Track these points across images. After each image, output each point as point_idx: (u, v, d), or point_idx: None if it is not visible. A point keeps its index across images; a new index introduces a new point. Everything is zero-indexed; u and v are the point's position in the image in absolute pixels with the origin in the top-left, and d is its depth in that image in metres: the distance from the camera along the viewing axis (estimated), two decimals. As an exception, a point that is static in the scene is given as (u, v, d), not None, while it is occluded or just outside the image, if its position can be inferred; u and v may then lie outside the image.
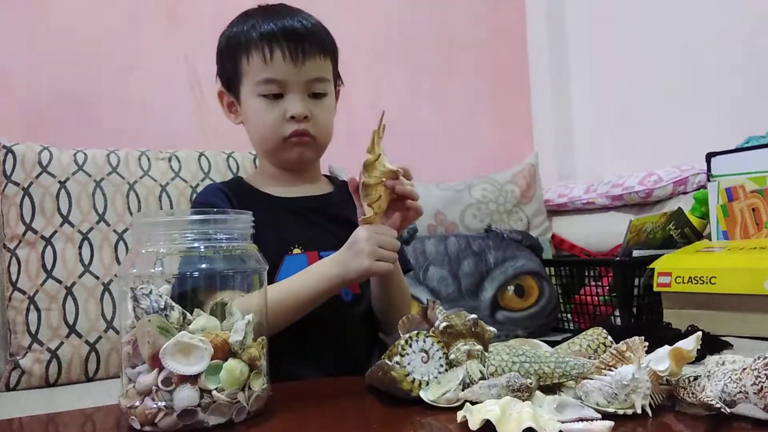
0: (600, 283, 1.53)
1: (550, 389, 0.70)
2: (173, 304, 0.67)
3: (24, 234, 1.31)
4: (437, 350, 0.73)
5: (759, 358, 0.61)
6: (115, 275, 1.32)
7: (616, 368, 0.65)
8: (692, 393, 0.63)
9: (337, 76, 1.10)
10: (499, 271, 1.55)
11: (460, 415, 0.62)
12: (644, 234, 1.46)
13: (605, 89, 2.10)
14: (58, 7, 1.66)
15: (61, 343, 1.28)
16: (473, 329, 0.74)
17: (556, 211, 1.95)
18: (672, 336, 0.91)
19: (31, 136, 1.43)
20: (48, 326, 1.28)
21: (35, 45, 1.63)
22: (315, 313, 0.92)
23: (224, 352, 0.66)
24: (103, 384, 1.27)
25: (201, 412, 0.64)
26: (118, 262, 1.35)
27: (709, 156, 1.48)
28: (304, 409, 0.74)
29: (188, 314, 0.68)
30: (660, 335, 1.00)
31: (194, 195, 1.43)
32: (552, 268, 1.66)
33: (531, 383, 0.65)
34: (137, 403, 0.65)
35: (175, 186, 1.45)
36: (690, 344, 0.66)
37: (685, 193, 1.66)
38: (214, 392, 0.64)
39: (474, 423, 0.59)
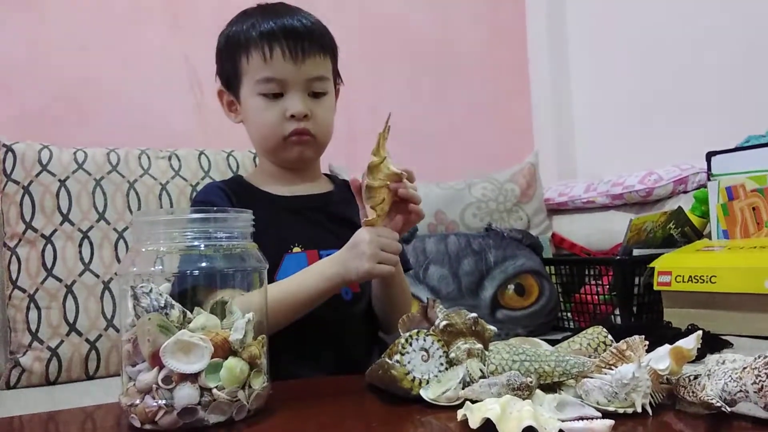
0: (600, 282, 1.53)
1: (551, 388, 0.70)
2: (173, 302, 0.67)
3: (24, 232, 1.31)
4: (437, 349, 0.73)
5: (759, 357, 0.61)
6: (116, 274, 1.33)
7: (617, 367, 0.65)
8: (692, 392, 0.63)
9: (336, 75, 1.10)
10: (500, 270, 1.55)
11: (460, 413, 0.62)
12: (644, 233, 1.46)
13: (605, 88, 2.10)
14: (59, 6, 1.66)
15: (62, 342, 1.28)
16: (473, 328, 0.74)
17: (556, 210, 1.95)
18: (672, 335, 0.91)
19: (31, 134, 1.43)
20: (48, 324, 1.28)
21: (35, 44, 1.63)
22: (315, 311, 0.92)
23: (224, 350, 0.66)
24: (104, 382, 1.27)
25: (201, 411, 0.64)
26: (119, 261, 1.35)
27: (710, 155, 1.48)
28: (304, 408, 0.74)
29: (188, 313, 0.68)
30: (660, 334, 1.00)
31: (194, 193, 1.43)
32: (552, 267, 1.66)
33: (531, 382, 0.65)
34: (137, 402, 0.65)
35: (175, 185, 1.45)
36: (690, 343, 0.66)
37: (685, 192, 1.66)
38: (215, 390, 0.64)
39: (474, 421, 0.59)
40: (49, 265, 1.31)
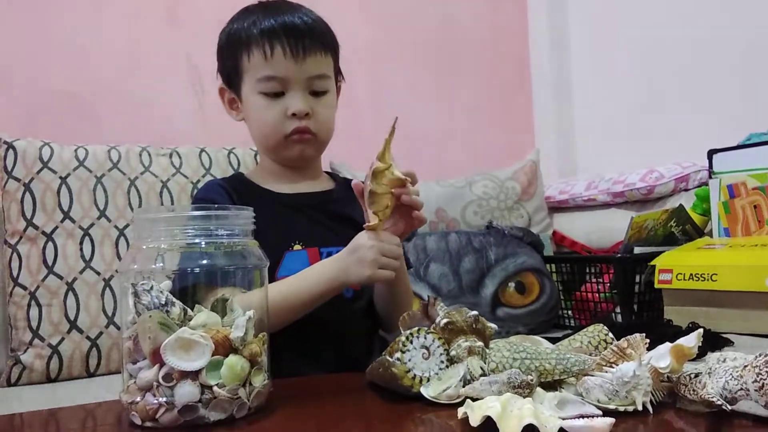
0: (601, 280, 1.53)
1: (551, 386, 0.70)
2: (174, 300, 0.67)
3: (25, 230, 1.31)
4: (438, 347, 0.73)
5: (760, 355, 0.61)
6: (116, 271, 1.33)
7: (617, 365, 0.65)
8: (693, 390, 0.63)
9: (338, 72, 1.10)
10: (500, 268, 1.55)
11: (460, 411, 0.62)
12: (645, 231, 1.46)
13: (606, 86, 2.10)
14: (60, 3, 1.66)
15: (62, 339, 1.28)
16: (474, 326, 0.74)
17: (557, 207, 1.95)
18: (673, 333, 0.91)
19: (32, 132, 1.43)
20: (49, 322, 1.28)
21: (36, 42, 1.63)
22: (315, 309, 0.92)
23: (225, 348, 0.66)
24: (104, 380, 1.27)
25: (202, 408, 0.64)
26: (119, 258, 1.35)
27: (711, 153, 1.48)
28: (305, 405, 0.74)
29: (189, 310, 0.68)
30: (661, 332, 1.00)
31: (195, 191, 1.43)
32: (553, 265, 1.66)
33: (532, 380, 0.65)
34: (138, 399, 0.65)
35: (176, 182, 1.45)
36: (691, 341, 0.66)
37: (686, 189, 1.66)
38: (215, 388, 0.64)
39: (475, 419, 0.59)
40: (50, 263, 1.31)
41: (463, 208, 1.79)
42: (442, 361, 0.72)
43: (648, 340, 0.67)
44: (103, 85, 1.69)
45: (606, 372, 0.65)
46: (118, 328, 1.27)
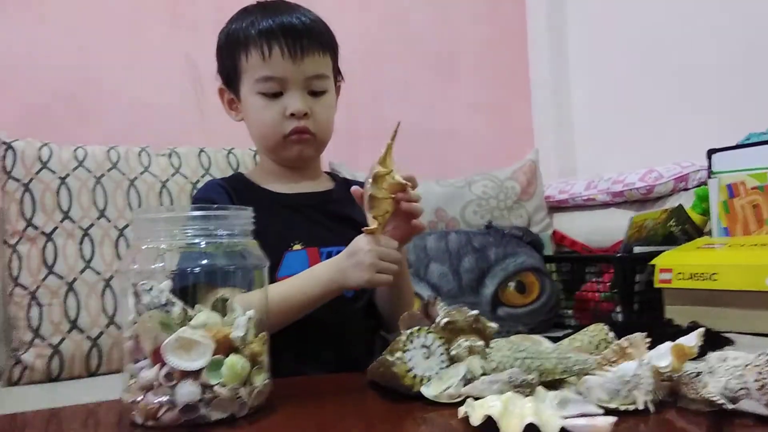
0: (601, 280, 1.53)
1: (552, 385, 0.70)
2: (174, 299, 0.67)
3: (25, 230, 1.31)
4: (438, 346, 0.73)
5: (761, 354, 0.61)
6: (116, 271, 1.33)
7: (618, 364, 0.65)
8: (694, 389, 0.63)
9: (337, 72, 1.10)
10: (500, 268, 1.55)
11: (461, 410, 0.62)
12: (645, 230, 1.46)
13: (606, 86, 2.10)
14: (59, 3, 1.66)
15: (63, 339, 1.28)
16: (474, 325, 0.74)
17: (556, 207, 1.95)
18: (673, 332, 0.91)
19: (32, 132, 1.43)
20: (49, 321, 1.28)
21: (36, 42, 1.63)
22: (315, 309, 0.92)
23: (226, 347, 0.66)
24: (105, 379, 1.27)
25: (203, 407, 0.64)
26: (119, 258, 1.35)
27: (710, 152, 1.48)
28: (306, 405, 0.73)
29: (189, 310, 0.68)
30: (661, 332, 0.99)
31: (194, 191, 1.43)
32: (553, 265, 1.66)
33: (533, 379, 0.65)
34: (139, 398, 0.65)
35: (175, 182, 1.45)
36: (692, 340, 0.66)
37: (686, 189, 1.66)
38: (216, 387, 0.64)
39: (476, 419, 0.59)
40: (50, 263, 1.31)
41: (462, 207, 1.79)
42: (443, 361, 0.72)
43: (649, 340, 0.67)
44: (103, 86, 1.68)
45: (607, 371, 0.65)
46: (119, 328, 1.27)
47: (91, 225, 1.35)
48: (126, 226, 1.37)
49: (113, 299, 1.32)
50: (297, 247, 1.01)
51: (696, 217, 1.52)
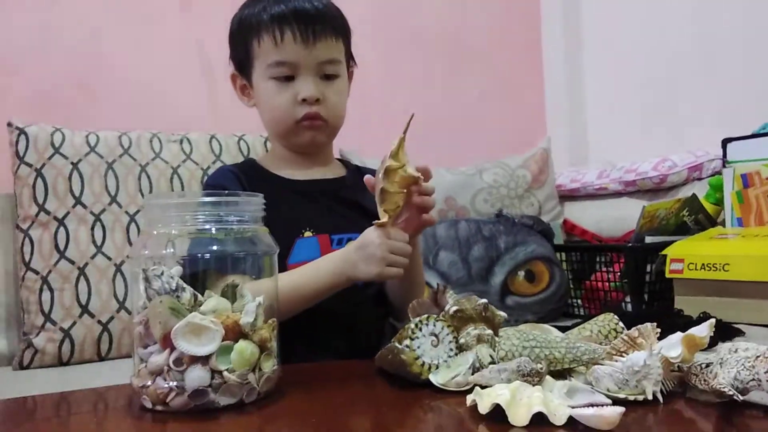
0: (611, 269, 1.52)
1: (561, 374, 0.70)
2: (185, 285, 0.67)
3: (37, 215, 1.32)
4: (447, 334, 0.73)
5: (772, 345, 0.61)
6: (127, 256, 1.33)
7: (628, 354, 0.65)
8: (704, 380, 0.62)
9: (350, 58, 1.09)
10: (510, 256, 1.55)
11: (469, 398, 0.62)
12: (657, 220, 1.45)
13: (619, 74, 2.08)
14: (71, -12, 1.66)
15: (74, 323, 1.29)
16: (483, 314, 0.74)
17: (568, 196, 1.94)
18: (683, 323, 0.91)
19: (44, 117, 1.43)
20: (61, 306, 1.29)
21: (48, 27, 1.63)
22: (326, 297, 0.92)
23: (235, 333, 0.66)
24: (115, 363, 1.28)
25: (212, 393, 0.64)
26: (130, 243, 1.36)
27: (725, 141, 1.46)
28: (314, 391, 0.74)
29: (199, 295, 0.68)
30: (671, 322, 0.99)
31: (205, 177, 1.44)
32: (563, 254, 1.65)
33: (541, 368, 0.64)
34: (149, 383, 0.65)
35: (186, 168, 1.45)
36: (703, 331, 0.66)
37: (699, 179, 1.64)
38: (225, 373, 0.64)
39: (483, 407, 0.59)
40: (61, 248, 1.32)
41: (473, 196, 1.78)
42: (451, 349, 0.72)
43: (659, 330, 0.67)
44: (115, 71, 1.69)
45: (616, 361, 0.65)
46: (129, 313, 1.28)
47: (103, 210, 1.36)
48: (137, 212, 1.38)
49: (124, 284, 1.33)
50: (308, 234, 1.01)
51: (709, 207, 1.51)
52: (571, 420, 0.56)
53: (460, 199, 1.77)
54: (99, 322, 1.30)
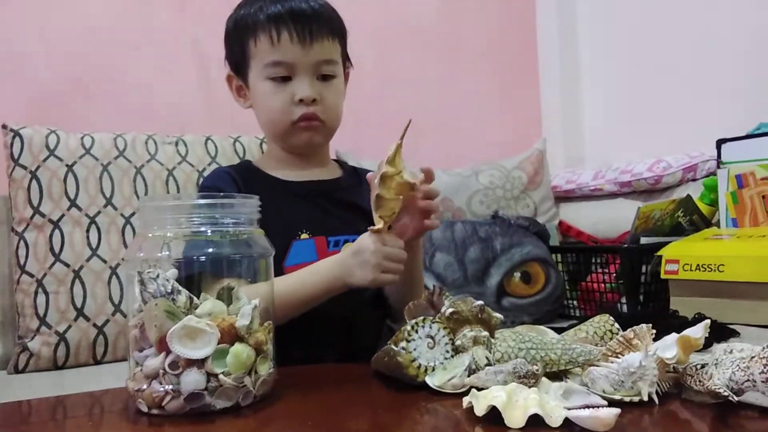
0: (607, 270, 1.52)
1: (557, 376, 0.70)
2: (180, 288, 0.67)
3: (32, 217, 1.31)
4: (443, 336, 0.73)
5: (767, 346, 0.61)
6: (123, 259, 1.33)
7: (623, 355, 0.65)
8: (699, 381, 0.63)
9: (346, 58, 1.09)
10: (506, 258, 1.55)
11: (465, 400, 0.62)
12: (652, 221, 1.46)
13: (615, 75, 2.09)
14: (66, -10, 1.66)
15: (69, 326, 1.28)
16: (479, 315, 0.74)
17: (563, 197, 1.94)
18: (679, 324, 0.91)
19: (39, 119, 1.43)
20: (56, 309, 1.28)
21: (43, 29, 1.63)
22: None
23: (231, 336, 0.66)
24: (111, 367, 1.28)
25: (208, 396, 0.64)
26: (126, 246, 1.35)
27: (720, 142, 1.47)
28: (310, 394, 0.74)
29: (195, 298, 0.68)
30: (667, 323, 0.99)
31: (201, 179, 1.43)
32: (559, 255, 1.66)
33: (537, 370, 0.65)
34: (144, 387, 0.65)
35: (181, 170, 1.45)
36: (698, 332, 0.66)
37: (694, 179, 1.65)
38: (221, 376, 0.64)
39: (480, 409, 0.59)
40: (56, 251, 1.31)
41: (469, 197, 1.78)
42: (448, 351, 0.72)
43: (654, 331, 0.67)
44: (109, 72, 1.68)
45: (612, 362, 0.65)
46: (125, 316, 1.28)
47: (98, 213, 1.35)
48: (132, 214, 1.38)
49: (119, 287, 1.32)
50: (304, 236, 1.01)
51: (704, 207, 1.51)
52: (567, 422, 0.56)
53: (457, 200, 1.77)
54: (94, 325, 1.30)
